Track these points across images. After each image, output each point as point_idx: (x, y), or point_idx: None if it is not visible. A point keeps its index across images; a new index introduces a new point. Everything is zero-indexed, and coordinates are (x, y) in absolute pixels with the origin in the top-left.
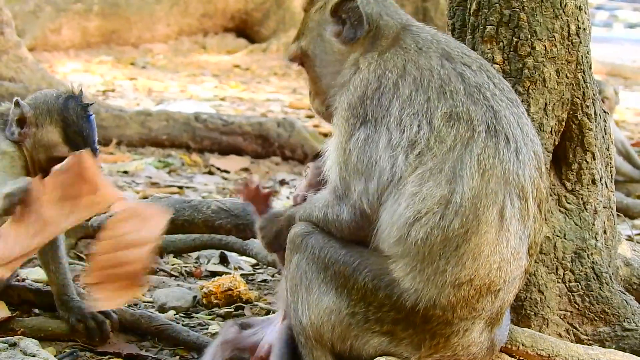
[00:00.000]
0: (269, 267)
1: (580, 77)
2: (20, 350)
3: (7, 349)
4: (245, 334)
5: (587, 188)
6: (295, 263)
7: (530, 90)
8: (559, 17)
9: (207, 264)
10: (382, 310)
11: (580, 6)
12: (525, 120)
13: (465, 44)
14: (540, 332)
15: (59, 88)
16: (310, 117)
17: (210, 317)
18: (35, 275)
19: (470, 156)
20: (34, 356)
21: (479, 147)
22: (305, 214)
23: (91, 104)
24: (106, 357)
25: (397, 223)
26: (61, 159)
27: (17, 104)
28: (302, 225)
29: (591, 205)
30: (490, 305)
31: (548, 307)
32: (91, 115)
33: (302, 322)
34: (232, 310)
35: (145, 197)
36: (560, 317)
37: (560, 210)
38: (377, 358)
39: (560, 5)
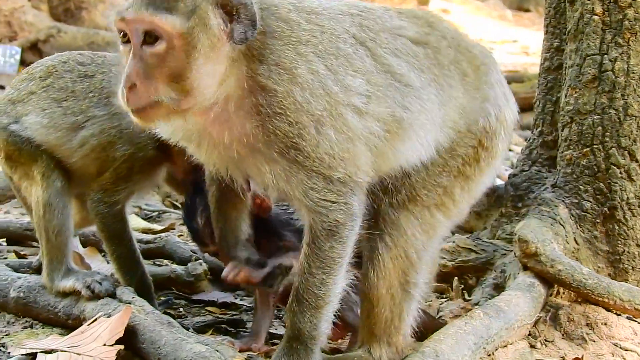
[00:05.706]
0: None
1: None
2: (117, 298)
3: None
4: None
5: None
6: None
7: (630, 42)
8: None
9: None
10: None
11: None
12: None
13: None
14: (638, 286)
15: None
16: None
17: None
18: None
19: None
20: (129, 303)
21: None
22: None
23: None
24: (201, 305)
25: None
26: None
27: None
28: None
29: None
30: None
31: None
32: None
33: None
34: None
35: None
36: None
37: None
38: None
39: None
